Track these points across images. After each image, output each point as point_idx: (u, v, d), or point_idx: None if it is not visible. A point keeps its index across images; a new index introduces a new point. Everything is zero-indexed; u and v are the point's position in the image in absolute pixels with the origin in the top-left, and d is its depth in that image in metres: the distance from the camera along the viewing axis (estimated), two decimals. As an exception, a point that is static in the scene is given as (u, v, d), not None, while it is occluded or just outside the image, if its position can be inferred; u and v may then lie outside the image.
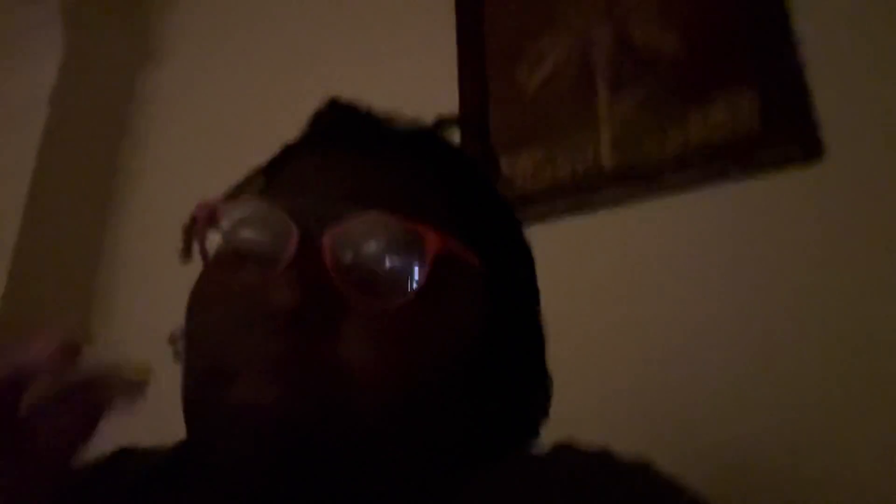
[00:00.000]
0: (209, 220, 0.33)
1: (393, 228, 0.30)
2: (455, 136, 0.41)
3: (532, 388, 0.39)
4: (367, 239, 0.30)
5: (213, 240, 0.34)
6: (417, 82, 1.00)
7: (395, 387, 0.30)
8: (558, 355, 0.77)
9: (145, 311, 1.10)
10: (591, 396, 0.74)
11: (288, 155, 0.38)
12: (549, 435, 0.39)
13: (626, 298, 0.77)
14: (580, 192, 0.82)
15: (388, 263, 0.30)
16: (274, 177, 0.37)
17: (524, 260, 0.41)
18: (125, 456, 0.42)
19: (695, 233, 0.76)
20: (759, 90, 0.75)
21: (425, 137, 0.38)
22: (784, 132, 0.73)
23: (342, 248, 0.30)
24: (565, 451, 0.34)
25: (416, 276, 0.30)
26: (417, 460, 0.33)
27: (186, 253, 0.35)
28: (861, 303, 0.66)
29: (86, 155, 1.28)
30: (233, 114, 1.18)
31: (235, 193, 0.37)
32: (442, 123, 0.40)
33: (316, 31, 1.18)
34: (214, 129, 1.20)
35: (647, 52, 0.84)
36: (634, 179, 0.79)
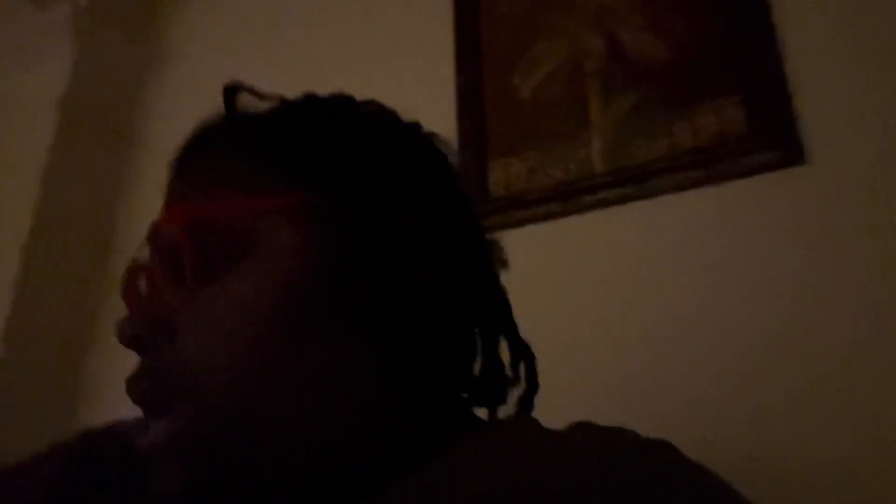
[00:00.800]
0: (130, 295, 0.37)
1: (158, 228, 0.33)
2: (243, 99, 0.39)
3: (437, 336, 0.35)
4: (155, 245, 0.34)
5: None
6: (416, 88, 1.04)
7: (227, 357, 0.30)
8: (551, 353, 0.80)
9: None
10: (578, 394, 0.76)
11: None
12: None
13: (616, 297, 0.80)
14: (572, 195, 0.85)
15: (166, 258, 0.33)
16: None
17: (387, 185, 0.35)
18: (106, 436, 0.41)
19: (682, 234, 0.79)
20: (744, 97, 0.78)
21: (225, 116, 0.38)
22: (768, 138, 0.76)
23: (154, 256, 0.34)
24: (584, 427, 0.33)
25: (188, 256, 0.31)
26: (326, 432, 0.31)
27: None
28: (845, 302, 0.68)
29: (94, 158, 1.31)
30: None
31: None
32: (231, 92, 0.39)
33: (318, 38, 1.21)
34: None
35: (637, 59, 0.87)
36: (624, 183, 0.82)
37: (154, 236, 0.34)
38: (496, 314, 0.39)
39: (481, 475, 0.30)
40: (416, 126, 0.40)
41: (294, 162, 0.34)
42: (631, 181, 0.82)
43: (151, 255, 0.34)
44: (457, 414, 0.37)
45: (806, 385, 0.67)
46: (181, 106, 1.34)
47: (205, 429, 0.30)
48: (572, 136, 0.87)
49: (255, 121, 0.37)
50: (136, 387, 0.31)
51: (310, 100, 0.39)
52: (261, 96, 0.39)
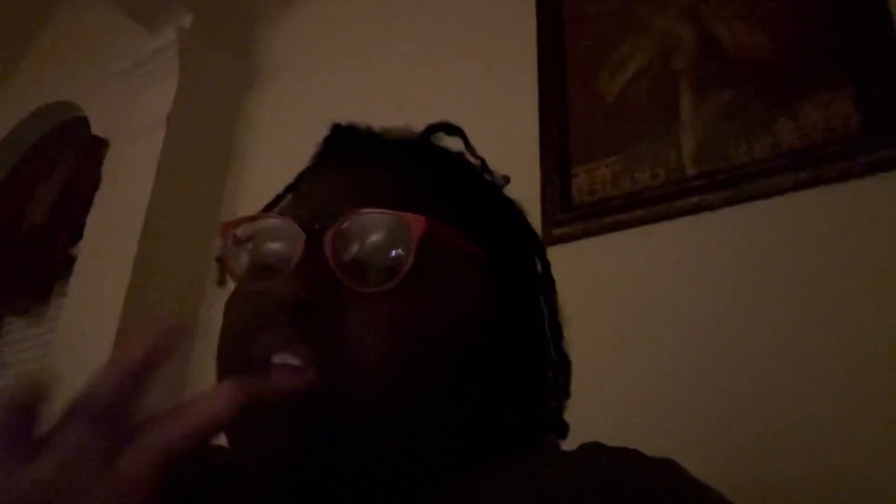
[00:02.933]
0: (232, 239, 0.37)
1: (382, 218, 0.33)
2: (455, 141, 0.42)
3: (538, 376, 0.39)
4: (361, 231, 0.33)
5: (241, 258, 0.37)
6: (497, 92, 1.03)
7: (396, 363, 0.32)
8: (636, 364, 0.77)
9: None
10: (658, 399, 0.73)
11: (302, 175, 0.42)
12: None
13: (709, 310, 0.75)
14: (661, 200, 0.80)
15: (380, 250, 0.33)
16: (291, 195, 0.41)
17: (527, 249, 0.42)
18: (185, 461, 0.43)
19: (785, 241, 0.72)
20: (857, 90, 0.71)
21: (416, 143, 0.41)
22: (886, 133, 0.69)
23: (341, 244, 0.33)
24: (591, 448, 0.34)
25: (406, 259, 0.32)
26: (426, 440, 0.34)
27: (223, 277, 0.37)
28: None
29: (198, 169, 1.40)
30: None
31: (259, 214, 0.40)
32: (433, 129, 0.42)
33: (404, 50, 1.23)
34: (314, 147, 1.28)
35: (733, 52, 0.81)
36: (719, 186, 0.77)
37: (365, 221, 0.33)
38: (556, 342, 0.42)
39: (495, 488, 0.32)
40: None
41: (476, 220, 0.38)
42: (726, 184, 0.77)
43: (353, 235, 0.33)
44: (503, 434, 0.38)
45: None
46: (279, 119, 1.42)
47: (337, 404, 0.30)
48: (661, 138, 0.83)
49: (440, 164, 0.40)
50: (280, 336, 0.31)
51: (468, 161, 0.42)
52: (457, 132, 0.43)
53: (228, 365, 0.34)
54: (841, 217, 0.70)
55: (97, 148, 1.59)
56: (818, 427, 0.65)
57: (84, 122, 1.71)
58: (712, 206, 0.77)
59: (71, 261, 1.49)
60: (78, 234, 1.51)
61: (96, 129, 1.65)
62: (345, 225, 0.33)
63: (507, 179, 0.43)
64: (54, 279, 1.58)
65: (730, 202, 0.76)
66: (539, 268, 0.42)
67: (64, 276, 1.51)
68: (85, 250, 1.45)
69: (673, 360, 0.75)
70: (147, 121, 1.41)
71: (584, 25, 0.96)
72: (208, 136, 1.42)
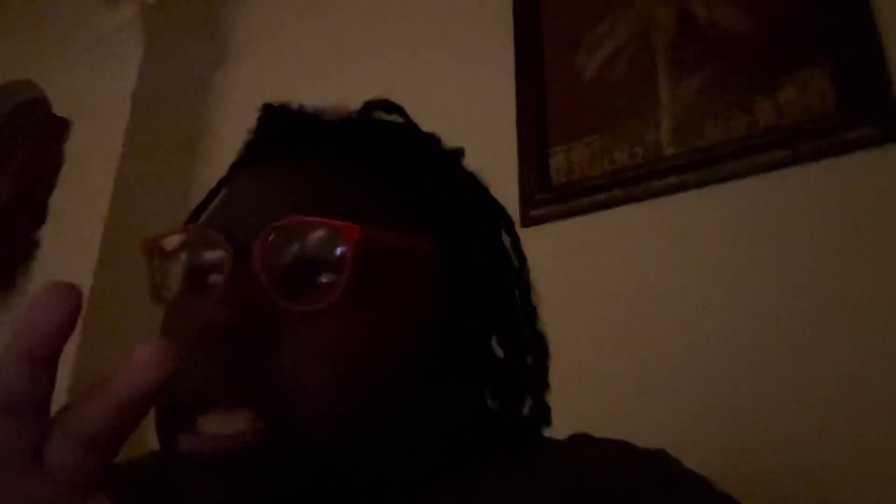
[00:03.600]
0: (158, 254, 0.33)
1: (314, 229, 0.30)
2: (399, 118, 0.39)
3: (513, 363, 0.37)
4: (292, 243, 0.30)
5: (173, 271, 0.33)
6: (474, 71, 1.01)
7: (342, 389, 0.29)
8: (615, 345, 0.77)
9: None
10: (639, 391, 0.73)
11: (233, 173, 0.38)
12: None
13: (688, 289, 0.75)
14: (639, 180, 0.80)
15: (313, 264, 0.30)
16: (222, 197, 0.36)
17: (487, 229, 0.39)
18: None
19: (764, 220, 0.72)
20: (833, 68, 0.71)
21: (354, 126, 0.37)
22: (862, 112, 0.69)
23: (271, 257, 0.30)
24: (582, 440, 0.33)
25: (341, 272, 0.29)
26: (396, 458, 0.31)
27: (154, 295, 0.34)
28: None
29: (165, 150, 1.35)
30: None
31: (190, 220, 0.38)
32: (371, 107, 0.38)
33: (378, 28, 1.20)
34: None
35: (711, 31, 0.80)
36: (697, 166, 0.76)
37: (293, 232, 0.30)
38: (530, 327, 0.40)
39: (486, 489, 0.30)
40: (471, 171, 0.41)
41: (424, 209, 0.35)
42: (704, 164, 0.76)
43: (283, 249, 0.30)
44: (494, 429, 0.36)
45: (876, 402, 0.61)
46: (246, 101, 1.38)
47: (285, 448, 0.28)
48: (639, 118, 0.82)
49: (386, 151, 0.36)
50: (205, 376, 0.28)
51: (420, 139, 0.39)
52: (395, 111, 0.39)
53: (159, 410, 0.30)
54: (818, 195, 0.71)
55: (58, 128, 1.53)
56: (803, 407, 0.65)
57: (44, 101, 1.64)
58: (690, 186, 0.77)
59: (35, 245, 1.44)
60: (41, 218, 1.45)
61: (57, 109, 1.58)
62: (273, 236, 0.29)
63: (460, 152, 0.40)
64: (17, 263, 1.53)
65: (708, 182, 0.75)
66: (506, 245, 0.39)
67: (28, 261, 1.46)
68: (49, 234, 1.40)
69: (654, 342, 0.75)
70: (110, 100, 1.36)
71: (562, 3, 0.94)
72: (175, 116, 1.38)
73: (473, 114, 0.94)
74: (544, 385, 0.38)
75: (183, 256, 0.33)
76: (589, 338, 0.77)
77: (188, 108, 1.40)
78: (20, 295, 1.49)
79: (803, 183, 0.71)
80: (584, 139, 0.85)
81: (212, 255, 0.31)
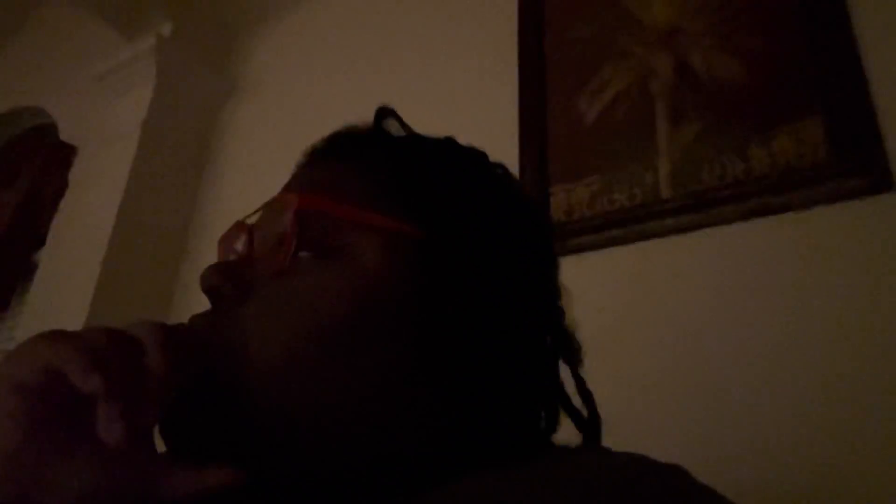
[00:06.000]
0: (227, 245, 0.39)
1: (272, 205, 0.35)
2: (399, 128, 0.42)
3: (498, 372, 0.36)
4: (271, 220, 0.35)
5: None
6: (478, 111, 1.04)
7: (282, 341, 0.32)
8: (613, 378, 0.77)
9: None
10: (637, 422, 0.73)
11: None
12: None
13: (682, 331, 0.76)
14: (636, 221, 0.82)
15: (271, 234, 0.35)
16: None
17: (482, 229, 0.38)
18: None
19: (755, 264, 0.74)
20: (825, 119, 0.74)
21: (367, 134, 0.41)
22: (851, 162, 0.71)
23: (258, 233, 0.36)
24: (594, 449, 0.33)
25: (285, 238, 0.33)
26: (342, 432, 0.32)
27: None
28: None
29: (171, 178, 1.37)
30: (308, 145, 1.25)
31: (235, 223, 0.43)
32: (383, 114, 0.43)
33: (385, 68, 1.24)
34: (290, 160, 1.27)
35: (708, 81, 0.84)
36: (693, 209, 0.78)
37: (269, 208, 0.36)
38: (564, 355, 0.40)
39: (489, 495, 0.30)
40: (505, 172, 0.42)
41: (405, 193, 0.36)
42: (700, 207, 0.78)
43: (260, 224, 0.36)
44: (507, 438, 0.36)
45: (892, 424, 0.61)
46: (255, 131, 1.41)
47: (235, 391, 0.31)
48: (638, 161, 0.84)
49: (385, 145, 0.40)
50: (196, 329, 0.33)
51: (431, 141, 0.42)
52: (405, 126, 0.42)
53: None
54: (810, 242, 0.72)
55: (65, 154, 1.56)
56: (790, 444, 0.65)
57: (52, 127, 1.67)
58: (686, 228, 0.78)
59: (32, 267, 1.44)
60: (40, 241, 1.46)
61: (65, 135, 1.61)
62: (257, 216, 0.36)
63: (483, 155, 0.42)
64: (13, 287, 1.52)
65: (703, 224, 0.77)
66: (525, 246, 0.39)
67: (25, 283, 1.46)
68: (47, 257, 1.41)
69: (644, 382, 0.75)
70: (120, 128, 1.38)
71: (565, 49, 0.98)
72: (182, 146, 1.40)
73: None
74: (556, 392, 0.39)
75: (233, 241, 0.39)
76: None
77: (196, 139, 1.43)
78: (16, 317, 1.49)
79: (795, 229, 0.73)
80: (584, 180, 0.87)
81: (241, 238, 0.38)
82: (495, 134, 0.99)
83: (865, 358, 0.65)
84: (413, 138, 0.41)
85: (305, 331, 0.32)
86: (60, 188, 1.51)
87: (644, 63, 0.89)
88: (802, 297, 0.70)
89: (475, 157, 0.42)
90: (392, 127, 0.42)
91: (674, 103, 0.85)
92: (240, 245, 0.37)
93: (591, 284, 0.84)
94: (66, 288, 1.27)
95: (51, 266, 1.37)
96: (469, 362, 0.35)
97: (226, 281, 0.34)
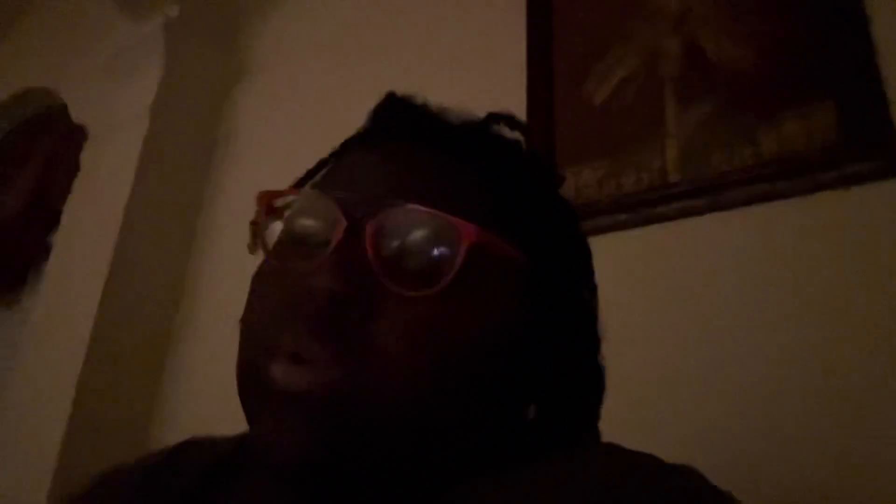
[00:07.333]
0: (268, 209, 0.35)
1: (431, 220, 0.31)
2: (513, 133, 0.41)
3: (578, 387, 0.38)
4: (406, 229, 0.31)
5: (274, 229, 0.36)
6: (486, 94, 1.03)
7: (423, 370, 0.31)
8: (615, 365, 0.78)
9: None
10: (645, 408, 0.74)
11: (346, 148, 0.40)
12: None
13: (690, 315, 0.76)
14: (644, 205, 0.81)
15: (423, 253, 0.31)
16: (333, 169, 0.39)
17: (576, 259, 0.40)
18: (191, 447, 0.44)
19: (764, 248, 0.74)
20: (836, 102, 0.73)
21: (476, 133, 0.39)
22: (862, 146, 0.71)
23: (383, 238, 0.31)
24: (609, 449, 0.34)
25: (449, 267, 0.31)
26: (449, 448, 0.33)
27: (254, 244, 0.36)
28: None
29: (181, 161, 1.38)
30: (316, 130, 1.25)
31: (298, 184, 0.39)
32: (494, 118, 0.41)
33: (393, 46, 1.24)
34: (299, 144, 1.27)
35: (718, 64, 0.83)
36: (701, 193, 0.78)
37: (409, 214, 0.32)
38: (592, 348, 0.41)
39: (502, 491, 0.31)
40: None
41: (526, 226, 0.36)
42: (709, 191, 0.78)
43: (382, 225, 0.31)
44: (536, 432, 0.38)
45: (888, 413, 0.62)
46: (265, 113, 1.41)
47: (368, 411, 0.30)
48: (646, 144, 0.84)
49: (504, 165, 0.38)
50: (306, 333, 0.30)
51: (531, 162, 0.41)
52: (520, 127, 0.41)
53: (251, 348, 0.33)
54: (820, 225, 0.72)
55: (76, 136, 1.57)
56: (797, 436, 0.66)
57: (63, 109, 1.68)
58: (695, 212, 0.78)
59: (47, 249, 1.46)
60: (55, 222, 1.48)
61: (76, 117, 1.62)
62: (390, 218, 0.31)
63: (562, 179, 0.43)
64: (29, 267, 1.55)
65: (712, 208, 0.77)
66: (584, 275, 0.41)
67: (39, 264, 1.48)
68: (61, 239, 1.42)
69: (649, 363, 0.76)
70: (129, 111, 1.39)
71: (574, 31, 0.97)
72: (192, 128, 1.41)
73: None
74: (596, 407, 0.40)
75: (289, 216, 0.35)
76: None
77: (206, 121, 1.44)
78: (32, 296, 1.51)
79: (805, 213, 0.73)
80: (591, 163, 0.87)
81: (320, 224, 0.33)
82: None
83: (874, 344, 0.65)
84: (519, 152, 0.40)
85: (448, 366, 0.31)
86: (73, 170, 1.53)
87: (653, 46, 0.88)
88: (811, 282, 0.70)
89: (553, 175, 0.42)
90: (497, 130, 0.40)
91: (682, 86, 0.84)
92: (333, 234, 0.31)
93: (599, 268, 0.84)
94: (80, 269, 1.29)
95: (65, 247, 1.39)
96: (554, 379, 0.37)
97: (354, 292, 0.30)
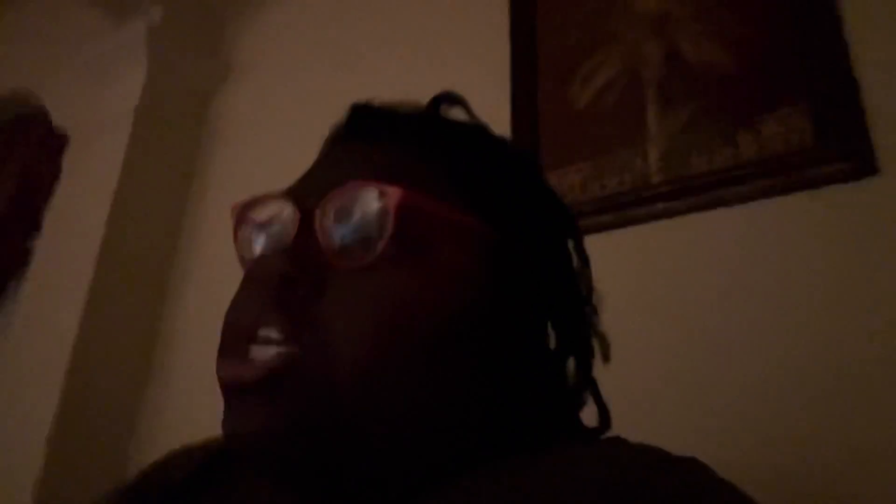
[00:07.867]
0: (240, 218, 0.37)
1: (364, 192, 0.32)
2: (460, 113, 0.42)
3: (555, 364, 0.38)
4: (346, 205, 0.33)
5: (247, 235, 0.37)
6: (470, 97, 1.04)
7: (370, 339, 0.31)
8: (598, 364, 0.78)
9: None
10: (632, 408, 0.75)
11: (320, 151, 0.42)
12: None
13: (670, 314, 0.77)
14: (627, 206, 0.83)
15: (360, 225, 0.32)
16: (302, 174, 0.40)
17: (550, 230, 0.40)
18: (180, 452, 0.45)
19: (744, 248, 0.76)
20: (811, 106, 0.75)
21: (427, 116, 0.40)
22: (837, 148, 0.73)
23: (327, 218, 0.33)
24: (613, 442, 0.34)
25: (382, 232, 0.31)
26: (416, 425, 0.32)
27: (240, 258, 0.37)
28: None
29: (165, 165, 1.37)
30: (301, 132, 1.25)
31: (263, 195, 0.40)
32: (439, 100, 0.42)
33: (376, 52, 1.24)
34: (285, 146, 1.27)
35: (697, 68, 0.85)
36: (682, 194, 0.80)
37: (343, 193, 0.33)
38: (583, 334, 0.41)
39: (502, 483, 0.31)
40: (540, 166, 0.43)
41: (479, 190, 0.36)
42: (690, 192, 0.80)
43: (325, 207, 0.33)
44: (536, 422, 0.37)
45: (867, 407, 0.63)
46: (250, 117, 1.40)
47: (318, 383, 0.30)
48: (628, 146, 0.85)
49: (447, 132, 0.39)
50: (260, 313, 0.31)
51: (490, 137, 0.41)
52: (468, 111, 0.42)
53: (223, 335, 0.34)
54: (797, 225, 0.74)
55: (57, 140, 1.55)
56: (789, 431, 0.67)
57: (44, 113, 1.66)
58: (676, 213, 0.80)
59: (28, 254, 1.45)
60: (36, 228, 1.46)
61: (57, 121, 1.60)
62: (333, 199, 0.33)
63: (526, 154, 0.43)
64: (10, 272, 1.53)
65: (693, 209, 0.79)
66: (569, 250, 0.41)
67: (20, 270, 1.46)
68: (43, 244, 1.41)
69: (633, 364, 0.77)
70: (112, 114, 1.38)
71: (557, 34, 0.98)
72: (176, 132, 1.40)
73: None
74: (586, 386, 0.40)
75: (256, 220, 0.37)
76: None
77: (190, 125, 1.43)
78: (12, 303, 1.49)
79: (783, 213, 0.75)
80: (575, 165, 0.88)
81: (279, 219, 0.35)
82: (487, 118, 0.99)
83: (849, 341, 0.67)
84: (472, 128, 0.40)
85: (397, 332, 0.31)
86: (54, 175, 1.51)
87: (635, 49, 0.90)
88: (789, 281, 0.72)
89: (526, 155, 0.42)
90: (445, 113, 0.41)
91: (663, 90, 0.86)
92: (290, 226, 0.33)
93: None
94: (62, 274, 1.28)
95: (47, 253, 1.38)
96: (527, 354, 0.37)
97: (302, 271, 0.31)
